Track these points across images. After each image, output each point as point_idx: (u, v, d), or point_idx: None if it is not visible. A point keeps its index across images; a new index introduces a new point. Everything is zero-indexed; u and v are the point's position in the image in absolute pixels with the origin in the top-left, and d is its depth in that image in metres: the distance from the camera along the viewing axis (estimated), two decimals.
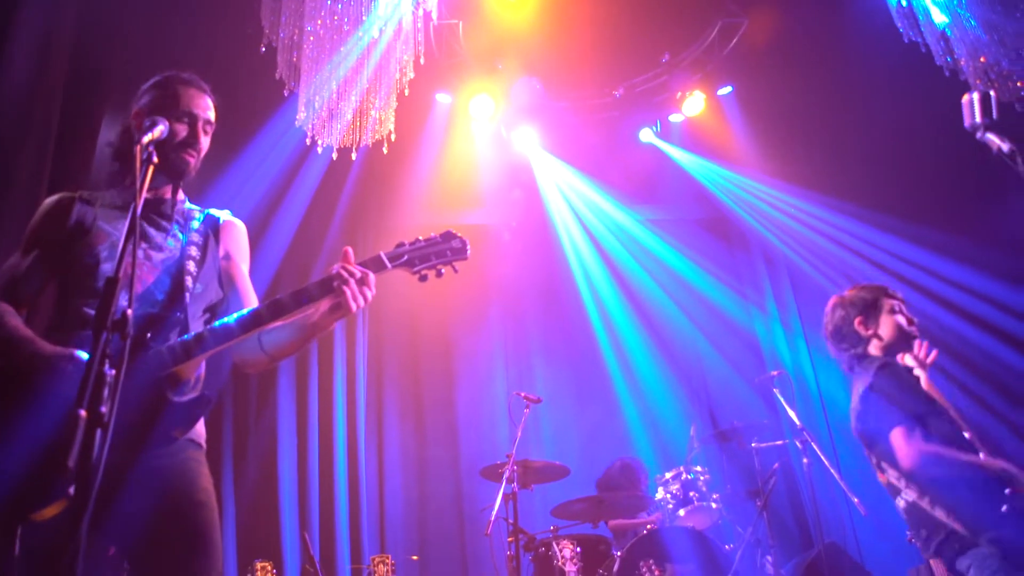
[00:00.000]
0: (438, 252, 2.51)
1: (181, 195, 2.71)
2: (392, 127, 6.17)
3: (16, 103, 4.49)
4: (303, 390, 7.43)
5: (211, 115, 2.67)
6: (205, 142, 2.65)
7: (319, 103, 6.11)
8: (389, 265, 2.44)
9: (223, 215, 2.77)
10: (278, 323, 2.36)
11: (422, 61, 6.17)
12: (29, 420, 2.14)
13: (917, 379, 3.59)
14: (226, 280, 2.65)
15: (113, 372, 1.64)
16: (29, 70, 4.61)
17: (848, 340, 3.88)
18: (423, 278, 2.50)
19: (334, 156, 6.35)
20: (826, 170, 8.05)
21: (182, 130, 2.57)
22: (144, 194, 2.07)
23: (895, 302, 3.88)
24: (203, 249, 2.59)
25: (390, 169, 7.82)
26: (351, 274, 2.32)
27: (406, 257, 2.48)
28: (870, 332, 3.79)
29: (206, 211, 2.73)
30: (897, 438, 3.28)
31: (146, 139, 2.19)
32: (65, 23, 4.96)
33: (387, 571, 5.40)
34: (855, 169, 7.92)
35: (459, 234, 2.55)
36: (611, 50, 7.71)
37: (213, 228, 2.68)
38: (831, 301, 4.09)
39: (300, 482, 7.12)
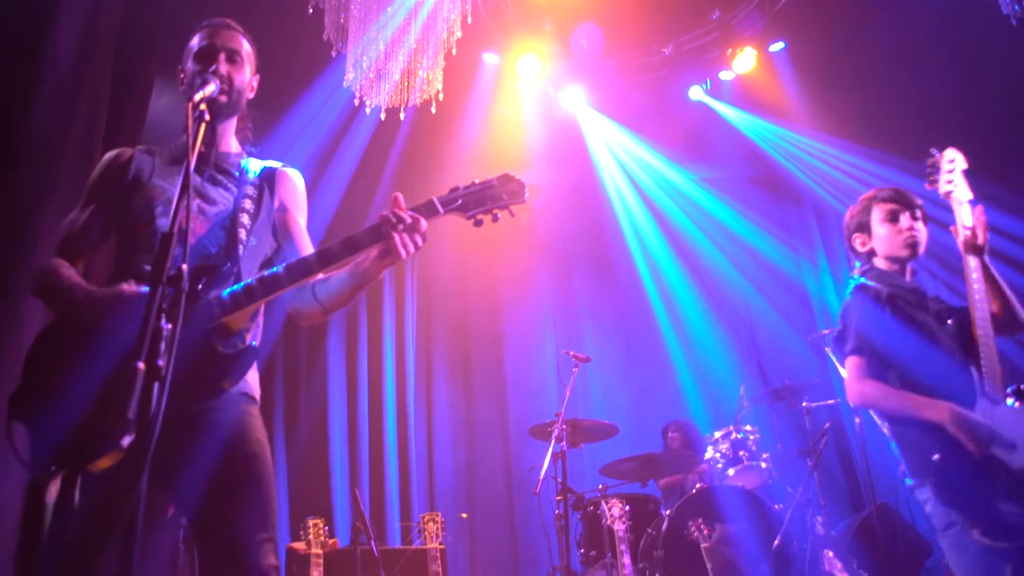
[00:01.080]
0: (494, 195, 2.40)
1: (235, 145, 2.70)
2: (440, 87, 6.15)
3: (69, 66, 4.54)
4: (352, 351, 7.52)
5: (236, 46, 2.61)
6: (234, 73, 2.58)
7: (367, 63, 6.11)
8: (441, 210, 2.36)
9: (279, 166, 2.74)
10: (330, 272, 2.34)
11: (469, 20, 6.12)
12: (84, 371, 2.17)
13: (906, 301, 3.29)
14: (281, 232, 2.63)
15: (169, 326, 1.65)
16: (80, 36, 4.65)
17: (858, 260, 3.58)
18: (478, 223, 2.40)
19: (382, 116, 6.36)
20: (878, 125, 7.84)
21: (221, 67, 2.55)
22: (197, 151, 2.07)
23: (888, 207, 3.54)
24: (257, 201, 2.56)
25: (438, 129, 7.80)
26: (400, 219, 2.26)
27: (460, 201, 2.38)
28: (867, 248, 3.52)
29: (262, 163, 2.71)
30: (847, 368, 3.21)
31: (197, 97, 2.17)
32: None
33: (437, 529, 5.48)
34: (908, 123, 7.72)
35: (517, 176, 2.45)
36: (660, 7, 7.59)
37: (268, 180, 2.65)
38: None
39: (350, 441, 7.23)
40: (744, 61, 7.88)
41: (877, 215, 3.52)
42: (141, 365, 1.58)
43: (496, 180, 2.42)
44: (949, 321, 3.31)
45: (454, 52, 6.16)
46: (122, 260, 2.43)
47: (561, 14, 7.60)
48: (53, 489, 2.11)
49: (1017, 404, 3.06)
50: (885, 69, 7.59)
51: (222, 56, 2.56)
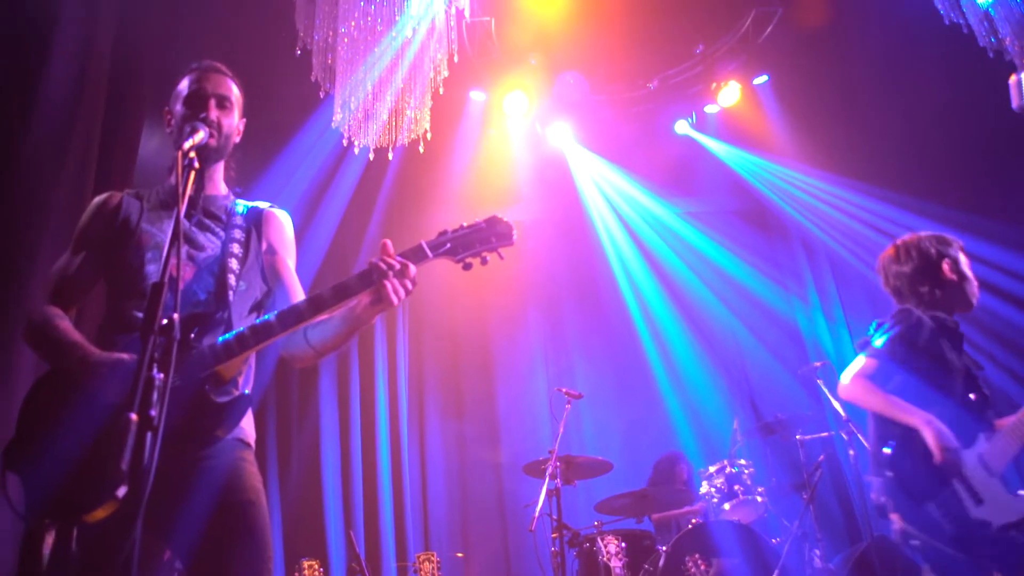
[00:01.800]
0: (482, 238, 2.39)
1: (223, 188, 2.69)
2: (428, 126, 6.18)
3: (61, 107, 4.56)
4: (344, 392, 7.49)
5: (226, 92, 2.61)
6: (223, 118, 2.57)
7: (355, 104, 6.14)
8: (431, 254, 2.36)
9: (266, 206, 2.71)
10: (321, 317, 2.33)
11: (456, 59, 6.17)
12: (78, 423, 2.17)
13: (950, 341, 3.49)
14: (271, 275, 2.62)
15: (161, 376, 1.65)
16: (72, 74, 4.68)
17: (923, 285, 3.69)
18: (467, 266, 2.39)
19: (371, 156, 6.38)
20: (865, 157, 7.93)
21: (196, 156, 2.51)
22: (187, 198, 2.05)
23: (966, 260, 3.75)
24: (245, 245, 2.55)
25: (426, 168, 7.84)
26: (390, 266, 2.26)
27: (448, 245, 2.37)
28: (943, 280, 3.65)
29: (248, 204, 2.68)
30: (858, 360, 3.42)
31: (187, 145, 2.18)
32: (105, 29, 5.04)
33: (433, 568, 5.42)
34: (895, 156, 7.81)
35: (504, 219, 2.43)
36: (644, 42, 7.66)
37: (256, 221, 2.64)
38: None
39: (344, 482, 7.17)
40: (729, 94, 7.96)
41: (963, 261, 3.69)
42: (134, 416, 1.58)
43: (484, 223, 2.41)
44: (978, 375, 3.51)
45: (441, 91, 6.20)
46: (112, 307, 2.43)
47: (548, 50, 7.67)
48: (49, 539, 2.09)
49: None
50: (868, 100, 7.69)
51: (212, 102, 2.56)
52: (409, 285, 2.30)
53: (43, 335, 2.34)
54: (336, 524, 6.93)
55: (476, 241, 2.39)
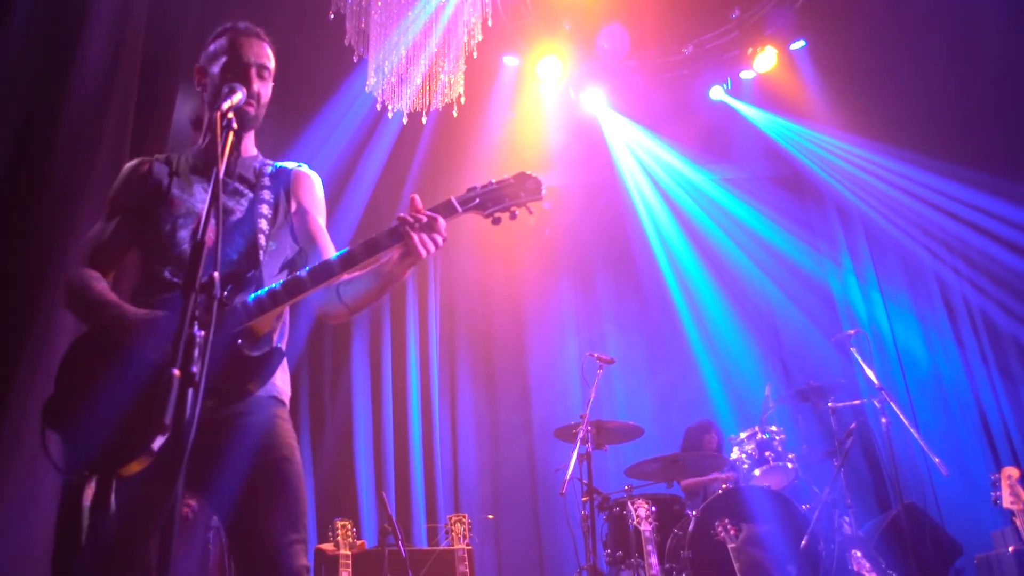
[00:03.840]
0: (511, 193, 2.40)
1: (253, 150, 2.71)
2: (461, 90, 6.17)
3: (98, 74, 4.61)
4: (376, 356, 7.55)
5: (266, 61, 2.60)
6: (263, 89, 2.58)
7: (388, 68, 6.14)
8: (460, 209, 2.37)
9: (295, 167, 2.73)
10: (353, 274, 2.36)
11: (490, 23, 6.15)
12: (114, 379, 2.21)
13: None
14: (301, 234, 2.63)
15: (202, 333, 1.67)
16: (108, 40, 4.72)
17: None
18: (496, 221, 2.41)
19: (404, 121, 6.39)
20: (903, 123, 7.82)
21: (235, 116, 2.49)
22: (225, 160, 2.06)
23: None
24: (275, 206, 2.56)
25: (460, 132, 7.84)
26: (418, 219, 2.28)
27: (478, 200, 2.39)
28: None
29: (277, 165, 2.70)
30: None
31: (225, 105, 2.17)
32: (139, 3, 5.07)
33: (464, 530, 5.50)
34: (934, 121, 7.70)
35: (534, 174, 2.44)
36: (680, 7, 7.58)
37: (285, 182, 2.66)
38: None
39: (376, 444, 7.25)
40: (765, 60, 7.87)
41: None
42: (176, 372, 1.59)
43: (513, 178, 2.42)
44: None
45: (475, 55, 6.18)
46: (146, 272, 2.46)
47: (581, 15, 7.61)
48: (88, 493, 2.14)
49: None
50: (906, 66, 7.57)
51: (253, 72, 2.56)
52: (438, 238, 2.31)
53: (80, 296, 2.38)
54: (368, 485, 7.03)
55: (506, 196, 2.40)
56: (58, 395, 2.27)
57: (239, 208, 2.53)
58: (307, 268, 2.30)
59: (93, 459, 2.14)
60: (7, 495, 3.66)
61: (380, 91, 6.20)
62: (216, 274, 1.75)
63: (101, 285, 2.40)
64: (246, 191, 2.58)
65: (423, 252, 2.28)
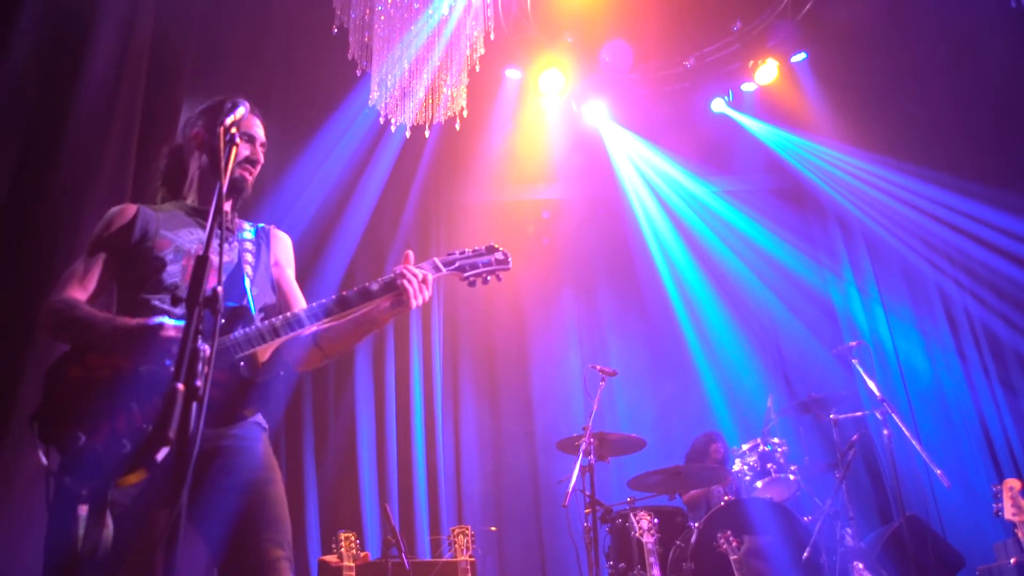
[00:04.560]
0: (484, 262, 2.80)
1: (232, 212, 2.85)
2: (464, 104, 6.20)
3: (103, 91, 4.65)
4: (380, 367, 7.56)
5: (262, 134, 2.85)
6: (260, 159, 2.82)
7: (391, 82, 6.16)
8: (444, 270, 2.74)
9: (271, 227, 2.95)
10: (343, 318, 2.58)
11: (492, 36, 6.18)
12: (112, 391, 2.27)
13: None
14: (276, 286, 2.83)
15: (207, 347, 1.71)
16: (114, 53, 4.77)
17: None
18: (471, 283, 2.78)
19: (407, 134, 6.43)
20: (902, 135, 7.85)
21: (244, 148, 2.72)
22: (228, 175, 2.11)
23: None
24: (256, 256, 2.77)
25: (463, 146, 7.88)
26: (414, 274, 2.59)
27: (457, 264, 2.77)
28: None
29: (256, 224, 2.90)
30: None
31: (228, 120, 2.22)
32: (146, 9, 5.12)
33: (467, 542, 5.49)
34: (936, 134, 7.73)
35: (501, 248, 2.85)
36: (681, 20, 7.61)
37: (265, 238, 2.88)
38: None
39: (379, 455, 7.25)
40: (766, 72, 7.90)
41: None
42: (181, 386, 1.63)
43: (485, 249, 2.83)
44: None
45: (477, 69, 6.21)
46: (132, 301, 2.53)
47: (583, 28, 7.65)
48: (83, 507, 2.17)
49: None
50: (907, 78, 7.60)
51: (259, 147, 2.81)
52: (427, 292, 2.63)
53: (67, 316, 2.44)
54: (371, 497, 7.03)
55: (479, 263, 2.79)
56: (51, 406, 2.30)
57: (228, 251, 2.68)
58: (304, 309, 2.52)
59: (89, 471, 2.18)
60: (13, 502, 3.69)
61: (383, 105, 6.23)
62: (220, 288, 1.78)
63: (87, 307, 2.48)
64: (233, 242, 2.74)
65: (414, 304, 2.60)
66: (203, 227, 2.70)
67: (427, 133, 6.43)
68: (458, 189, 8.34)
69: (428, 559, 6.25)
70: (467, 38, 6.22)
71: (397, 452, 7.30)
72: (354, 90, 6.71)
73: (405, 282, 2.57)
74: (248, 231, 2.82)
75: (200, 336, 1.71)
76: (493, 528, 7.17)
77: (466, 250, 2.81)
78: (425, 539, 7.05)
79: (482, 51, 6.17)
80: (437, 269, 2.71)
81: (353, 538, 5.26)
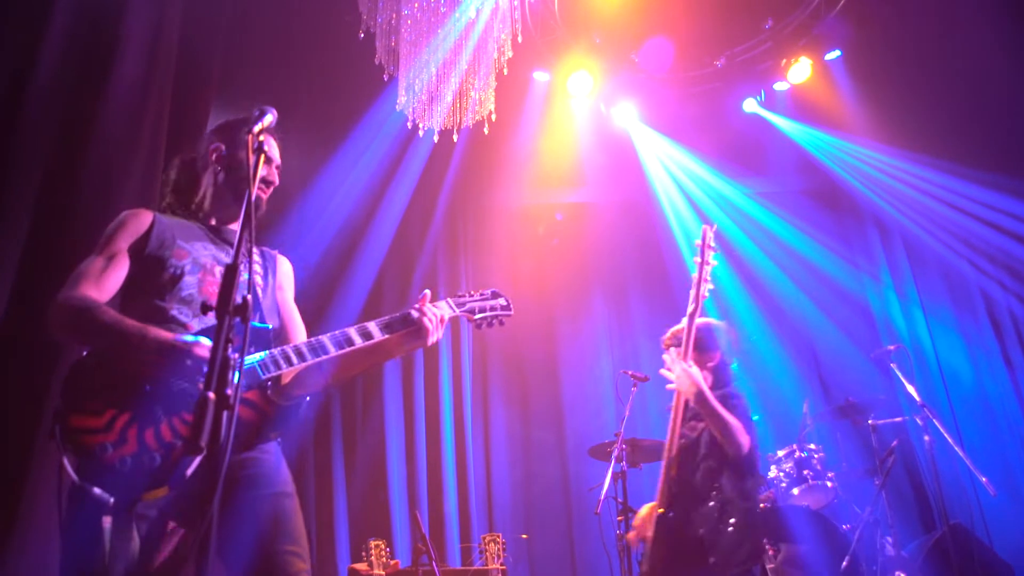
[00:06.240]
0: (491, 307, 3.00)
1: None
2: (492, 107, 6.16)
3: (131, 97, 4.66)
4: (409, 374, 7.54)
5: (279, 156, 2.91)
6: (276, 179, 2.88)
7: (419, 86, 6.14)
8: (457, 311, 2.90)
9: (275, 252, 3.02)
10: (363, 344, 2.62)
11: (519, 39, 6.13)
12: (142, 403, 2.25)
13: None
14: (279, 310, 2.86)
15: (236, 355, 1.70)
16: (141, 66, 4.78)
17: None
18: (478, 326, 2.97)
19: (435, 139, 6.39)
20: (940, 132, 7.67)
21: (263, 168, 2.77)
22: (256, 186, 2.12)
23: None
24: (265, 279, 2.82)
25: (492, 150, 7.83)
26: (434, 313, 2.73)
27: (467, 305, 2.95)
28: None
29: (262, 248, 2.97)
30: None
31: (257, 128, 2.25)
32: (172, 15, 5.13)
33: (498, 549, 5.44)
34: (972, 129, 7.54)
35: (503, 294, 3.06)
36: (711, 19, 7.51)
37: (272, 262, 2.93)
38: None
39: (409, 463, 7.24)
40: (799, 71, 7.77)
41: None
42: (211, 395, 1.61)
43: (489, 293, 3.03)
44: None
45: (505, 72, 6.17)
46: (149, 307, 2.51)
47: (611, 29, 7.58)
48: (108, 518, 2.13)
49: None
50: (946, 73, 7.43)
51: (275, 168, 2.88)
52: (442, 330, 2.77)
53: (91, 318, 2.38)
54: (401, 505, 7.01)
55: (486, 307, 2.99)
56: (76, 412, 2.25)
57: (242, 271, 2.63)
58: (328, 336, 2.56)
59: (116, 482, 2.15)
60: (44, 507, 3.69)
61: (411, 109, 6.20)
62: (249, 296, 1.78)
63: (112, 311, 2.43)
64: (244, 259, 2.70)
65: (431, 342, 2.72)
66: (217, 244, 2.72)
67: (455, 137, 6.39)
68: (487, 193, 8.30)
69: (458, 567, 6.20)
70: (494, 41, 6.18)
71: (427, 459, 7.27)
72: (381, 95, 6.70)
73: (426, 320, 2.68)
74: (256, 255, 2.85)
75: (230, 345, 1.71)
76: (524, 536, 7.11)
77: (472, 293, 2.98)
78: (455, 547, 7.01)
79: (510, 54, 6.13)
80: (452, 310, 2.86)
81: (383, 546, 5.25)
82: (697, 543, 3.76)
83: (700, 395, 3.87)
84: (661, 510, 3.83)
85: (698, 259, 4.37)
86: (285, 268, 3.00)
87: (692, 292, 4.23)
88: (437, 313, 2.73)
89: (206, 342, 2.29)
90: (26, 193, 4.13)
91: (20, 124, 4.13)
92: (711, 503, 3.81)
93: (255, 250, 2.79)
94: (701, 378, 3.97)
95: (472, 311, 2.92)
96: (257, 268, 2.77)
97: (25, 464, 3.71)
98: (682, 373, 3.96)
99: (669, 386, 4.02)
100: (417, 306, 2.71)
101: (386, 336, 2.65)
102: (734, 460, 3.83)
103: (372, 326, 2.64)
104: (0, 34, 4.21)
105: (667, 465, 3.86)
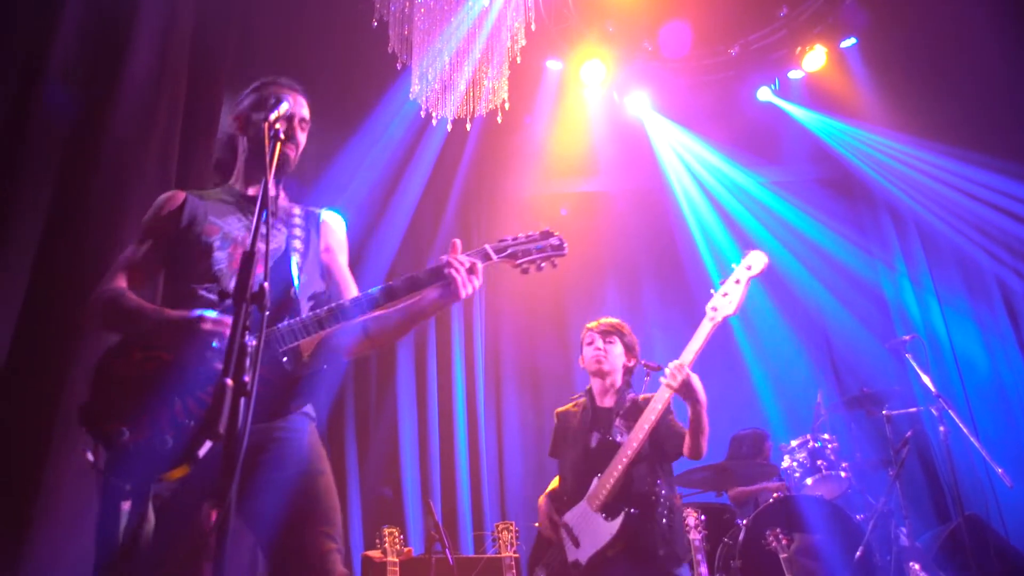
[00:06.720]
0: (539, 248, 2.68)
1: (282, 193, 2.81)
2: (505, 96, 6.14)
3: (144, 91, 4.66)
4: (422, 363, 7.55)
5: (305, 112, 2.78)
6: (302, 138, 2.76)
7: (432, 75, 6.13)
8: (495, 257, 2.63)
9: (322, 211, 2.90)
10: (391, 306, 2.51)
11: (533, 28, 6.11)
12: (155, 384, 2.25)
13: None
14: (327, 273, 2.77)
15: (254, 342, 1.69)
16: (154, 59, 4.78)
17: None
18: (524, 271, 2.67)
19: (449, 128, 6.38)
20: (956, 120, 7.60)
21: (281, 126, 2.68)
22: (274, 168, 2.15)
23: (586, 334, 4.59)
24: (306, 243, 2.71)
25: (505, 138, 7.82)
26: (461, 263, 2.50)
27: (510, 250, 2.66)
28: None
29: (306, 208, 2.85)
30: None
31: (273, 116, 2.26)
32: (185, 11, 5.12)
33: (511, 538, 5.45)
34: (987, 116, 7.47)
35: (556, 232, 2.73)
36: (724, 7, 7.47)
37: (315, 223, 2.82)
38: None
39: (422, 452, 7.25)
40: (814, 59, 7.72)
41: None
42: (229, 381, 1.62)
43: (539, 234, 2.71)
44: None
45: (518, 60, 6.15)
46: (179, 290, 2.52)
47: (624, 17, 7.53)
48: (126, 503, 2.16)
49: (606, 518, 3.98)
50: (963, 60, 7.36)
51: (297, 123, 2.73)
52: (476, 282, 2.54)
53: (114, 306, 2.44)
54: (414, 493, 7.02)
55: (533, 250, 2.68)
56: (97, 400, 2.29)
57: (274, 240, 2.65)
58: (351, 299, 2.46)
59: (132, 465, 2.17)
60: (63, 498, 3.71)
61: (424, 98, 6.19)
62: (267, 284, 1.78)
63: (136, 297, 2.47)
64: (280, 227, 2.70)
65: (463, 294, 2.50)
66: (249, 214, 2.67)
67: (469, 126, 6.38)
68: (500, 182, 8.29)
69: (472, 555, 6.22)
70: (507, 29, 6.16)
71: (440, 447, 7.28)
72: (395, 84, 6.68)
73: (452, 271, 2.48)
74: (298, 216, 2.77)
75: (247, 331, 1.71)
76: (537, 524, 7.12)
77: (520, 235, 2.70)
78: (468, 535, 7.03)
79: (523, 42, 6.11)
80: (487, 257, 2.61)
81: (397, 533, 5.27)
82: (648, 539, 4.04)
83: (702, 403, 4.28)
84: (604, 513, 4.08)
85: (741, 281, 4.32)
86: (332, 227, 2.89)
87: (735, 303, 4.25)
88: (466, 263, 2.51)
89: (210, 315, 2.29)
90: (40, 190, 4.13)
91: (31, 120, 4.13)
92: (656, 500, 4.15)
93: (299, 210, 2.80)
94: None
95: (514, 255, 2.65)
96: (298, 232, 2.70)
97: (42, 457, 3.73)
98: (691, 379, 4.21)
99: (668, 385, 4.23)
100: (445, 257, 2.53)
101: (413, 293, 2.52)
102: (671, 463, 4.33)
103: (397, 284, 2.51)
104: (11, 29, 4.21)
105: (628, 464, 4.09)
